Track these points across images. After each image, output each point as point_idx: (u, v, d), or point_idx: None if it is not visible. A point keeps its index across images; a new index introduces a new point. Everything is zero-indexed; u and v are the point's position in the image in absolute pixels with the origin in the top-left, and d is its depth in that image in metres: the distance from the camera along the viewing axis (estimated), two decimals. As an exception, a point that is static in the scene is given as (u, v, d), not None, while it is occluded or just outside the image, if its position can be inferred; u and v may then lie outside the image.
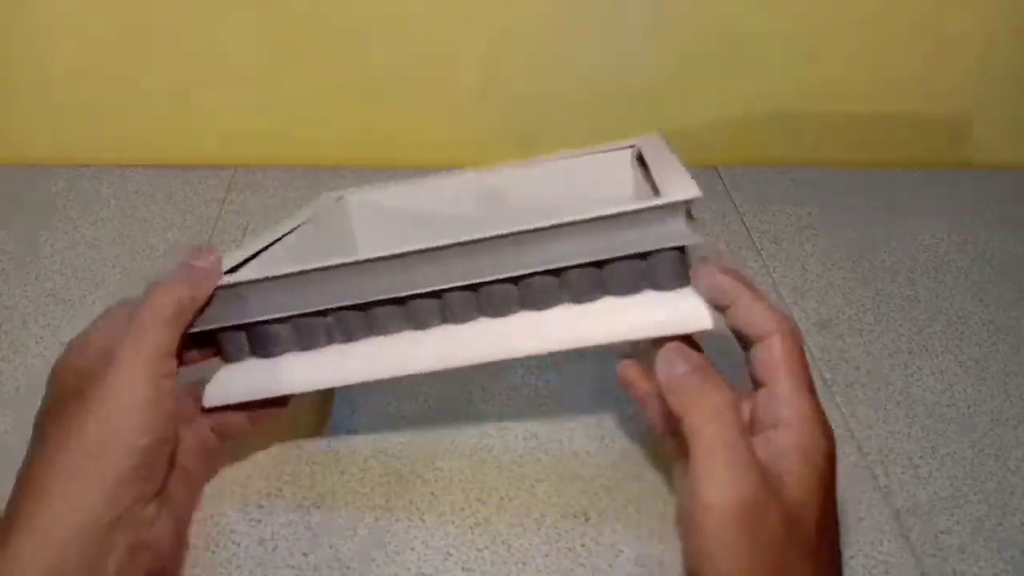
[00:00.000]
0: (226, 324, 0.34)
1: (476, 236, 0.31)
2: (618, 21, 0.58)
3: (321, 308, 0.33)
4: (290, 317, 0.34)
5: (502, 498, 0.40)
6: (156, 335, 0.30)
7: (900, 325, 0.52)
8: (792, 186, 0.65)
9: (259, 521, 0.38)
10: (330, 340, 0.35)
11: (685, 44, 0.60)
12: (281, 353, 0.35)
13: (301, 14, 0.56)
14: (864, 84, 0.63)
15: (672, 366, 0.30)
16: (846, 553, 0.38)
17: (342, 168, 0.64)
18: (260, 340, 0.35)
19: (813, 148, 0.67)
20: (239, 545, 0.37)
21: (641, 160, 0.44)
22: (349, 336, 0.34)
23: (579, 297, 0.33)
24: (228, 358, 0.36)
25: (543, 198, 0.44)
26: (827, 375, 0.48)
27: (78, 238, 0.55)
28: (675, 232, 0.31)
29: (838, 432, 0.44)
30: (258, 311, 0.34)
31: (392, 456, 0.42)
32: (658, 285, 0.32)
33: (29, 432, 0.41)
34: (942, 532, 0.40)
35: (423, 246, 0.32)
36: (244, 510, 0.39)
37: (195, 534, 0.37)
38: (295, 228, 0.41)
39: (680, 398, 0.29)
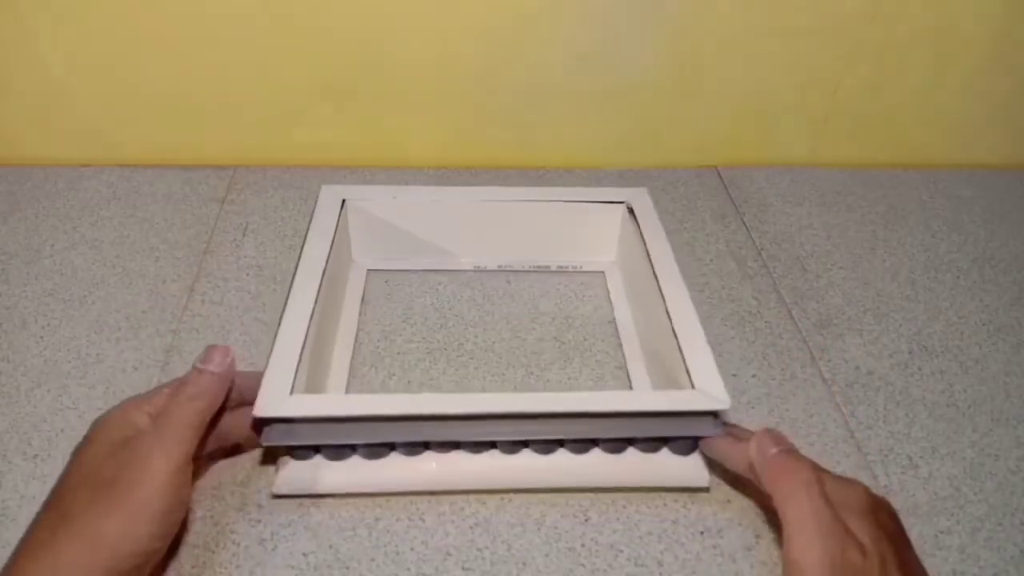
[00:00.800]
0: (304, 444, 0.37)
1: (537, 410, 0.37)
2: (618, 21, 0.58)
3: (392, 442, 0.38)
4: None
5: (502, 498, 0.40)
6: (181, 448, 0.33)
7: (900, 325, 0.52)
8: (792, 186, 0.65)
9: (259, 521, 0.38)
10: (392, 450, 0.39)
11: (685, 44, 0.60)
12: (348, 457, 0.39)
13: (301, 14, 0.56)
14: (864, 84, 0.63)
15: (764, 448, 0.35)
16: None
17: (342, 168, 0.64)
18: (330, 449, 0.38)
19: (813, 148, 0.67)
20: (239, 545, 0.37)
21: (631, 213, 0.51)
22: (411, 452, 0.39)
23: (611, 449, 0.39)
24: (297, 457, 0.39)
25: (532, 234, 0.52)
26: (827, 375, 0.48)
27: (78, 238, 0.55)
28: (701, 427, 0.38)
29: (838, 432, 0.45)
30: (337, 438, 0.37)
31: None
32: (675, 450, 0.40)
33: (27, 433, 0.42)
34: (942, 532, 0.40)
35: (490, 410, 0.37)
36: (244, 510, 0.39)
37: (195, 534, 0.37)
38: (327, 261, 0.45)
39: (771, 475, 0.34)
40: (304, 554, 0.37)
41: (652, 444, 0.39)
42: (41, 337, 0.47)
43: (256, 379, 0.37)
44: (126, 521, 0.31)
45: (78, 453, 0.33)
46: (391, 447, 0.39)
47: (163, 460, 0.32)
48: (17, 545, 0.31)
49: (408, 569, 0.37)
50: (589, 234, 0.53)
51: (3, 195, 0.59)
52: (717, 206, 0.62)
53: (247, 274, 0.53)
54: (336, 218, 0.48)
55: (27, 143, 0.62)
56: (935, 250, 0.59)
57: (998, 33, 0.61)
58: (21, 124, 0.61)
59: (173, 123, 0.62)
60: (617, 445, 0.39)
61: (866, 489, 0.34)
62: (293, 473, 0.38)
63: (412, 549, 0.37)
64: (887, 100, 0.65)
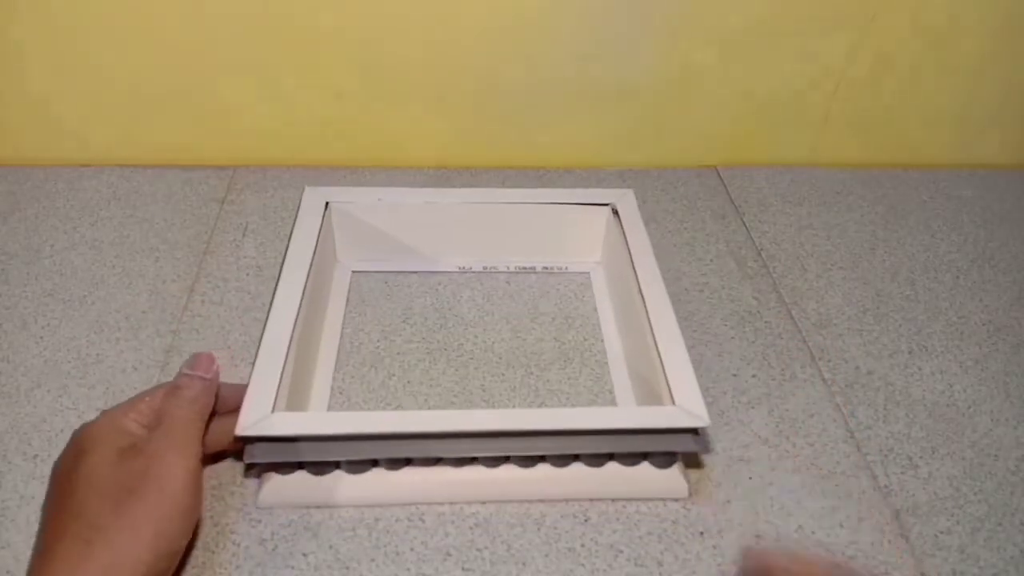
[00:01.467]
0: (288, 461, 0.38)
1: (519, 427, 0.37)
2: (618, 21, 0.58)
3: (375, 458, 0.38)
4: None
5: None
6: (191, 447, 0.34)
7: (900, 325, 0.52)
8: (792, 186, 0.65)
9: (259, 521, 0.38)
10: (375, 465, 0.39)
11: (685, 44, 0.60)
12: (332, 471, 0.39)
13: (301, 14, 0.56)
14: (864, 84, 0.63)
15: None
16: (846, 553, 0.38)
17: (342, 168, 0.64)
18: (313, 464, 0.39)
19: (813, 148, 0.67)
20: (239, 545, 0.37)
21: (616, 214, 0.51)
22: (393, 466, 0.39)
23: (592, 463, 0.40)
24: (280, 471, 0.39)
25: (517, 236, 0.52)
26: (827, 375, 0.48)
27: (78, 238, 0.55)
28: (681, 443, 0.38)
29: (838, 432, 0.44)
30: (318, 456, 0.37)
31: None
32: (655, 463, 0.40)
33: (27, 433, 0.42)
34: (942, 532, 0.40)
35: (473, 428, 0.37)
36: (244, 510, 0.39)
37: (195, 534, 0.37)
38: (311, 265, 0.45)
39: None
40: (304, 554, 0.37)
41: (633, 458, 0.40)
42: (41, 337, 0.47)
43: (236, 390, 0.37)
44: (160, 522, 0.31)
45: (78, 464, 0.32)
46: (374, 462, 0.39)
47: (180, 459, 0.33)
48: (35, 563, 0.30)
49: (408, 569, 0.37)
50: (575, 235, 0.53)
51: (3, 195, 0.59)
52: (717, 206, 0.62)
53: (247, 274, 0.53)
54: (320, 220, 0.48)
55: (27, 143, 0.62)
56: (935, 250, 0.59)
57: (998, 33, 0.61)
58: (21, 124, 0.61)
59: (173, 123, 0.62)
60: (598, 459, 0.40)
61: (819, 567, 0.33)
62: (277, 486, 0.39)
63: (412, 549, 0.37)
64: (887, 100, 0.65)
